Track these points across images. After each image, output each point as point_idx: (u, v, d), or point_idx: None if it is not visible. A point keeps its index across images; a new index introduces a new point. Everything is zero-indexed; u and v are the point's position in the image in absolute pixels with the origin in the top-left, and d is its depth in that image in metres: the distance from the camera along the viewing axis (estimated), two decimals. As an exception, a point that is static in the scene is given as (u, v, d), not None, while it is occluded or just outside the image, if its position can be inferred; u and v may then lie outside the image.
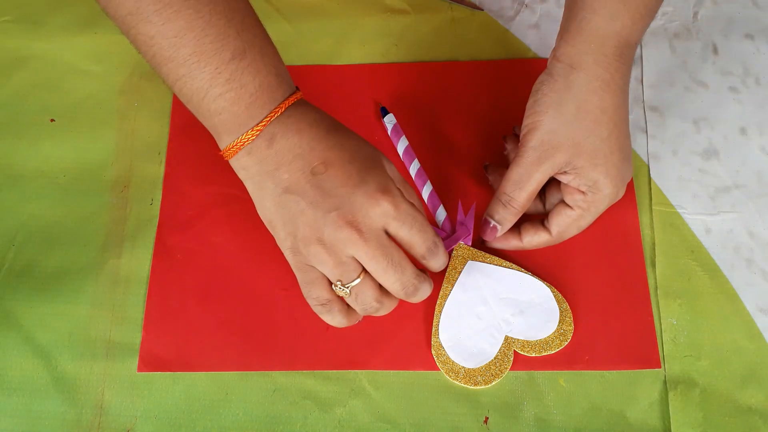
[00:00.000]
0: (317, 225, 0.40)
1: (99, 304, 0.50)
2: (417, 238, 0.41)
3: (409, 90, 0.56)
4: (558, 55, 0.45)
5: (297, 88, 0.42)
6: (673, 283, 0.49)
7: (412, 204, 0.41)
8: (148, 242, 0.51)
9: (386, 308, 0.44)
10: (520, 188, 0.46)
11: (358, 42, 0.58)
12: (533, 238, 0.48)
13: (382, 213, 0.40)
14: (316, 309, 0.43)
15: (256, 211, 0.52)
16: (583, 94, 0.44)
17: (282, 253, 0.51)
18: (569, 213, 0.47)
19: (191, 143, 0.54)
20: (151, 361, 0.48)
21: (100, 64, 0.58)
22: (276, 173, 0.41)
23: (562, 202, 0.47)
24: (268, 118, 0.40)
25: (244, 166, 0.42)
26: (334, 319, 0.43)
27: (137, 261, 0.51)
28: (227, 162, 0.54)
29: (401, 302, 0.49)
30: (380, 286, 0.42)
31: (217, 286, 0.50)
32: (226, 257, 0.51)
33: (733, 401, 0.46)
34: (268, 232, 0.51)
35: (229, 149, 0.41)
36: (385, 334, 0.48)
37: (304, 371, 0.47)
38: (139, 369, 0.48)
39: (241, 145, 0.40)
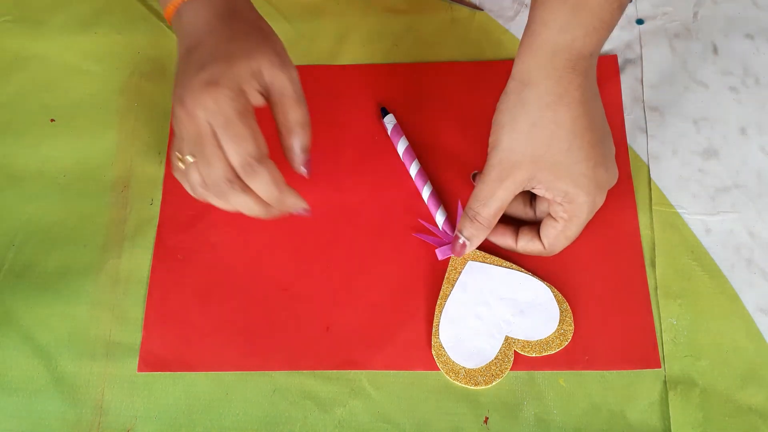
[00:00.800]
0: (173, 96, 0.44)
1: (99, 304, 0.50)
2: (228, 142, 0.42)
3: (409, 90, 0.56)
4: (513, 72, 0.45)
5: None
6: (673, 283, 0.49)
7: (241, 111, 0.42)
8: (148, 242, 0.51)
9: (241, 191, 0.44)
10: (484, 205, 0.46)
11: (358, 42, 0.58)
12: (527, 245, 0.48)
13: (202, 104, 0.41)
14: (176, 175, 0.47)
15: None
16: (536, 110, 0.44)
17: (281, 253, 0.51)
18: (554, 224, 0.47)
19: (191, 143, 0.54)
20: (151, 361, 0.48)
21: (100, 64, 0.58)
22: (179, 44, 0.46)
23: (549, 213, 0.47)
24: None
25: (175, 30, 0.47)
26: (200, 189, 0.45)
27: (137, 261, 0.51)
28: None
29: (401, 301, 0.49)
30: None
31: (217, 286, 0.50)
32: (226, 257, 0.51)
33: (733, 401, 0.46)
34: (268, 232, 0.52)
35: (166, 17, 0.47)
36: (385, 334, 0.48)
37: (304, 371, 0.47)
38: (139, 369, 0.48)
39: (168, 15, 0.46)
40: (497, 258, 0.50)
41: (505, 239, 0.49)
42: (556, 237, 0.47)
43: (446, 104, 0.56)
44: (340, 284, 0.50)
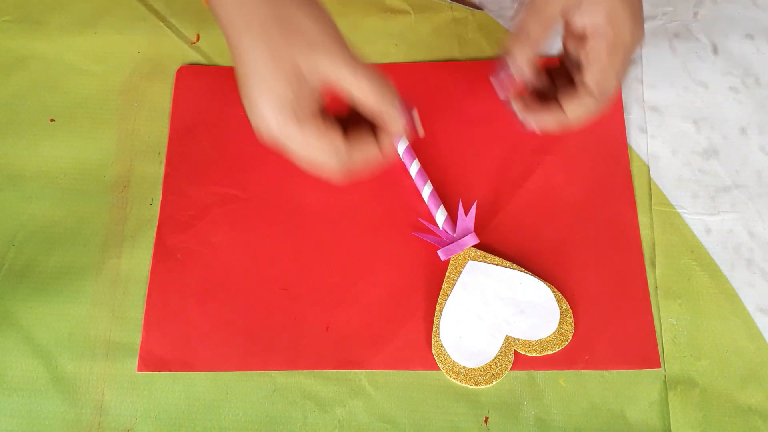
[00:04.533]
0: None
1: (99, 304, 0.50)
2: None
3: (409, 90, 0.56)
4: None
5: None
6: (673, 283, 0.49)
7: (325, 137, 0.40)
8: (147, 242, 0.51)
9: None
10: (531, 15, 0.45)
11: (358, 42, 0.58)
12: (577, 107, 0.46)
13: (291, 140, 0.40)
14: None
15: (256, 211, 0.52)
16: None
17: (281, 253, 0.51)
18: (598, 57, 0.45)
19: (191, 143, 0.55)
20: (150, 361, 0.48)
21: (100, 64, 0.58)
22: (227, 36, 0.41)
23: (587, 54, 0.45)
24: None
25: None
26: None
27: (137, 261, 0.51)
28: (227, 162, 0.54)
29: (401, 301, 0.49)
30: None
31: (217, 286, 0.50)
32: (226, 257, 0.51)
33: (733, 401, 0.46)
34: (268, 232, 0.52)
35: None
36: (385, 334, 0.48)
37: (304, 371, 0.47)
38: (139, 369, 0.48)
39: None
40: (498, 258, 0.50)
41: (553, 114, 0.47)
42: (602, 71, 0.45)
43: (446, 104, 0.56)
44: (340, 284, 0.50)
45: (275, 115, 0.40)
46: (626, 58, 0.45)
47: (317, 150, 0.41)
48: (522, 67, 0.46)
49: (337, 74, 0.40)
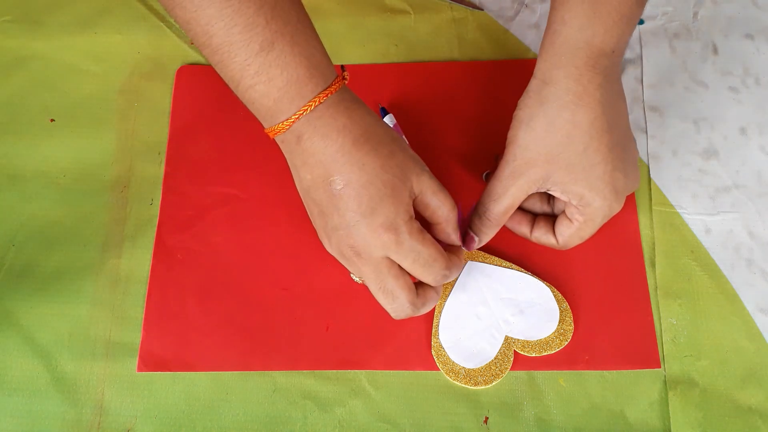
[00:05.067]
0: (326, 234, 0.42)
1: (99, 304, 0.50)
2: (421, 271, 0.41)
3: (409, 90, 0.56)
4: (535, 71, 0.45)
5: (336, 76, 0.41)
6: (673, 283, 0.49)
7: (421, 238, 0.41)
8: (147, 242, 0.51)
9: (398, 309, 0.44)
10: (495, 201, 0.46)
11: (358, 42, 0.58)
12: (541, 237, 0.48)
13: (382, 246, 0.40)
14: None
15: (256, 211, 0.52)
16: (554, 109, 0.43)
17: (281, 253, 0.51)
18: (569, 224, 0.46)
19: (191, 143, 0.55)
20: (150, 361, 0.48)
21: (100, 64, 0.58)
22: (302, 169, 0.41)
23: (563, 212, 0.47)
24: (296, 116, 0.39)
25: (282, 145, 0.42)
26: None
27: (137, 261, 0.51)
28: (227, 162, 0.54)
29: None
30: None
31: (217, 286, 0.50)
32: (226, 257, 0.51)
33: (733, 401, 0.46)
34: (268, 232, 0.52)
35: (268, 132, 0.41)
36: (385, 334, 0.48)
37: (304, 371, 0.47)
38: (139, 369, 0.48)
39: (276, 133, 0.41)
40: (497, 258, 0.50)
41: (521, 227, 0.49)
42: (570, 236, 0.47)
43: (446, 104, 0.56)
44: (340, 284, 0.50)
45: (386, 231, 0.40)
46: (596, 227, 0.47)
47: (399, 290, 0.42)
48: (484, 243, 0.48)
49: (433, 198, 0.42)
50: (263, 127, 0.42)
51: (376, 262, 0.41)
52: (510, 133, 0.45)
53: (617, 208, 0.46)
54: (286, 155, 0.42)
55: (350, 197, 0.40)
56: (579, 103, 0.43)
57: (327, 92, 0.40)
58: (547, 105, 0.43)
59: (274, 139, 0.42)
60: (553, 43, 0.44)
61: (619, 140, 0.45)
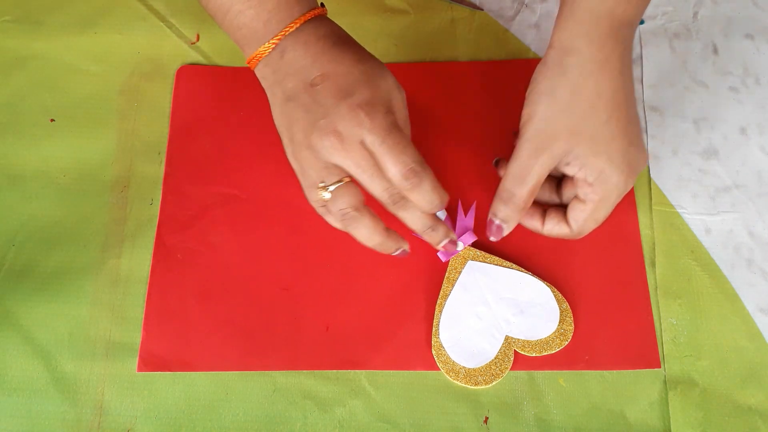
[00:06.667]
0: (308, 132, 0.42)
1: (99, 304, 0.50)
2: (390, 155, 0.41)
3: (409, 90, 0.56)
4: (552, 42, 0.44)
5: (322, 4, 0.44)
6: (673, 283, 0.49)
7: (393, 123, 0.41)
8: (147, 242, 0.51)
9: (365, 223, 0.43)
10: (520, 183, 0.44)
11: (358, 42, 0.58)
12: (554, 228, 0.47)
13: (358, 123, 0.40)
14: (319, 211, 0.45)
15: (256, 211, 0.52)
16: (577, 77, 0.42)
17: (281, 253, 0.51)
18: (583, 207, 0.45)
19: (191, 143, 0.55)
20: (150, 361, 0.48)
21: (100, 64, 0.58)
22: (283, 82, 0.43)
23: (576, 196, 0.46)
24: (282, 33, 0.42)
25: (263, 75, 0.44)
26: (334, 221, 0.44)
27: (137, 261, 0.51)
28: (227, 162, 0.54)
29: (401, 301, 0.49)
30: (362, 198, 0.43)
31: (217, 286, 0.50)
32: (226, 257, 0.51)
33: (733, 401, 0.46)
34: (268, 232, 0.52)
35: (250, 60, 0.44)
36: (385, 334, 0.48)
37: (304, 371, 0.47)
38: (139, 369, 0.48)
39: (260, 57, 0.43)
40: (497, 258, 0.50)
41: (532, 221, 0.47)
42: (585, 220, 0.45)
43: (446, 104, 0.56)
44: (340, 284, 0.50)
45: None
46: (611, 208, 0.46)
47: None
48: (511, 230, 0.47)
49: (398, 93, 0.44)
50: (246, 59, 0.44)
51: (354, 145, 0.40)
52: (526, 111, 0.44)
53: (630, 185, 0.45)
54: (267, 83, 0.44)
55: (330, 87, 0.41)
56: (603, 71, 0.42)
57: (314, 11, 0.43)
58: (570, 73, 0.43)
59: (254, 72, 0.44)
60: (573, 13, 0.43)
61: (634, 116, 0.44)
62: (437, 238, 0.45)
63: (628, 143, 0.43)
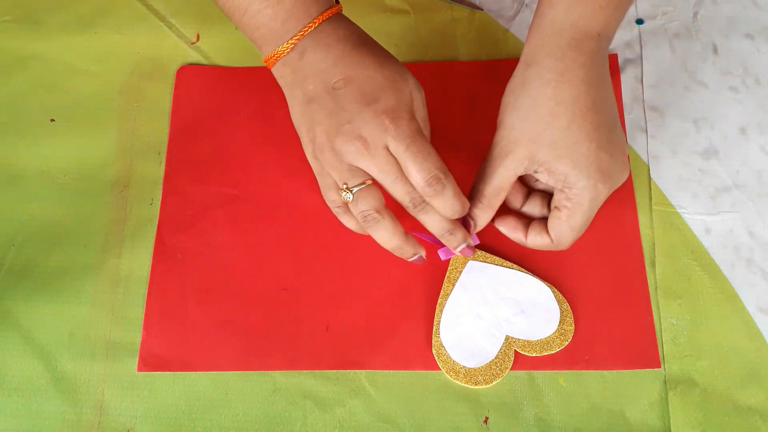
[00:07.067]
0: (331, 134, 0.42)
1: (99, 304, 0.50)
2: (414, 161, 0.42)
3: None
4: (521, 55, 0.46)
5: (337, 1, 0.45)
6: (673, 283, 0.49)
7: (418, 130, 0.42)
8: (147, 242, 0.51)
9: (385, 225, 0.44)
10: (483, 181, 0.46)
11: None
12: (535, 239, 0.47)
13: (383, 130, 0.41)
14: (334, 211, 0.46)
15: (256, 211, 0.52)
16: (536, 88, 0.44)
17: (281, 253, 0.51)
18: (558, 215, 0.45)
19: (191, 143, 0.55)
20: (150, 361, 0.48)
21: (100, 64, 0.58)
22: (304, 84, 0.44)
23: (555, 206, 0.46)
24: (301, 33, 0.43)
25: (281, 75, 0.45)
26: (349, 222, 0.47)
27: (137, 261, 0.51)
28: (227, 162, 0.54)
29: (401, 301, 0.49)
30: (383, 201, 0.44)
31: (217, 286, 0.50)
32: (226, 257, 0.51)
33: (733, 401, 0.46)
34: (268, 232, 0.52)
35: (268, 59, 0.45)
36: (385, 334, 0.48)
37: (304, 371, 0.47)
38: (139, 369, 0.48)
39: (278, 57, 0.44)
40: (498, 258, 0.50)
41: (516, 233, 0.48)
42: (561, 228, 0.45)
43: (446, 104, 0.56)
44: (340, 284, 0.50)
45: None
46: (587, 215, 0.45)
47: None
48: (481, 227, 0.47)
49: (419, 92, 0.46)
50: (263, 58, 0.45)
51: (384, 153, 0.42)
52: (498, 118, 0.46)
53: (603, 190, 0.44)
54: (285, 82, 0.45)
55: (354, 92, 0.42)
56: (561, 80, 0.43)
57: (331, 10, 0.44)
58: (529, 84, 0.44)
59: (271, 71, 0.45)
60: (539, 26, 0.45)
61: (605, 121, 0.44)
62: (456, 242, 0.46)
63: (597, 147, 0.43)
